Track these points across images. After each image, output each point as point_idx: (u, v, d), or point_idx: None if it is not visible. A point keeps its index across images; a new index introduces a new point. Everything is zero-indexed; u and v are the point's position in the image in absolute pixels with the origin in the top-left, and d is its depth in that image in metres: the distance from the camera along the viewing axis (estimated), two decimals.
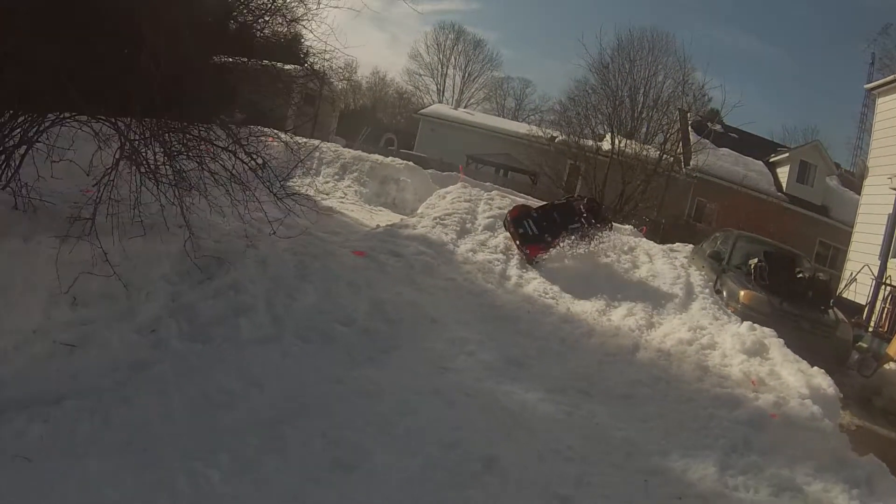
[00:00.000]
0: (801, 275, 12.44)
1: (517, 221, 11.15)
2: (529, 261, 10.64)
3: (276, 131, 8.51)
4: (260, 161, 7.63)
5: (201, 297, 6.82)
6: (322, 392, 5.73)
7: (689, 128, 34.81)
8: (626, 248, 12.37)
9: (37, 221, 7.05)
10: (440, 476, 4.94)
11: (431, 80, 54.56)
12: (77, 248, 6.32)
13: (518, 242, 10.95)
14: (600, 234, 11.36)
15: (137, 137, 6.79)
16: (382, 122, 41.30)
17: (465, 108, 47.53)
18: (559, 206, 11.77)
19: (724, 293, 11.45)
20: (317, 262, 7.91)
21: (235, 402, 5.45)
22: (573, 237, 11.06)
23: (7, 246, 6.40)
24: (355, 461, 4.95)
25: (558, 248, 10.91)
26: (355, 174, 16.10)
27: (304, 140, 9.89)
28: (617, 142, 33.90)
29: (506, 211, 11.81)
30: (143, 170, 6.84)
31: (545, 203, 12.37)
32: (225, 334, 6.38)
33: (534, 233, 11.02)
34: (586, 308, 8.95)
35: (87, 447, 4.81)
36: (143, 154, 6.84)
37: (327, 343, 6.56)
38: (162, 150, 6.97)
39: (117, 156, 6.74)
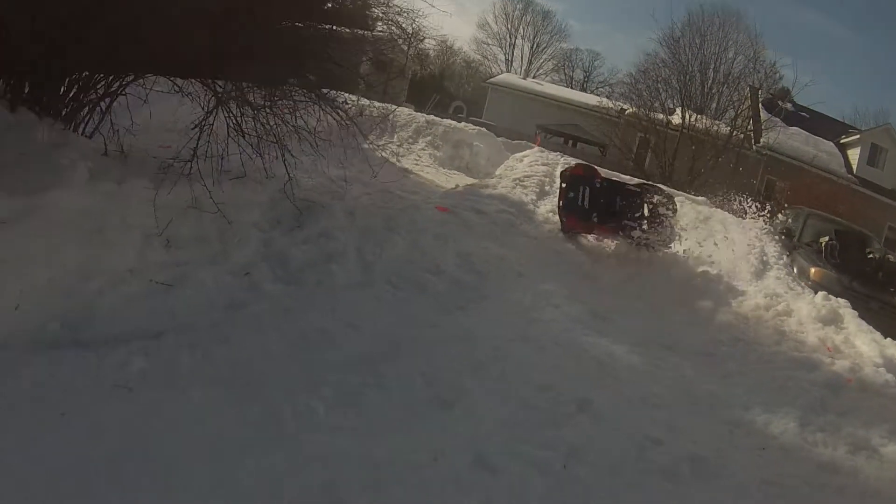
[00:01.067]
0: (871, 255, 12.26)
1: (572, 182, 9.65)
2: (564, 229, 9.43)
3: (350, 95, 8.53)
4: (342, 117, 7.66)
5: (292, 244, 6.86)
6: (417, 335, 5.78)
7: (760, 105, 34.13)
8: (701, 218, 12.24)
9: (127, 167, 7.16)
10: (536, 415, 5.02)
11: (499, 49, 54.30)
12: (170, 193, 6.49)
13: (560, 203, 9.60)
14: (657, 238, 9.37)
15: (228, 94, 6.97)
16: (450, 91, 41.14)
17: (533, 78, 47.16)
18: (628, 192, 9.91)
19: (795, 270, 11.33)
20: (403, 216, 7.91)
21: (332, 341, 5.50)
22: (625, 233, 9.43)
23: (102, 188, 6.50)
24: (454, 399, 5.02)
25: (599, 238, 9.66)
26: (429, 138, 16.04)
27: (378, 104, 9.91)
28: (687, 116, 33.37)
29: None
30: (231, 123, 7.00)
31: (618, 180, 10.83)
32: (317, 279, 6.42)
33: (583, 206, 9.50)
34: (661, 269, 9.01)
35: (188, 380, 4.87)
36: (232, 109, 6.99)
37: (418, 291, 6.57)
38: (248, 105, 7.01)
39: (211, 107, 6.92)
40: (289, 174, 7.27)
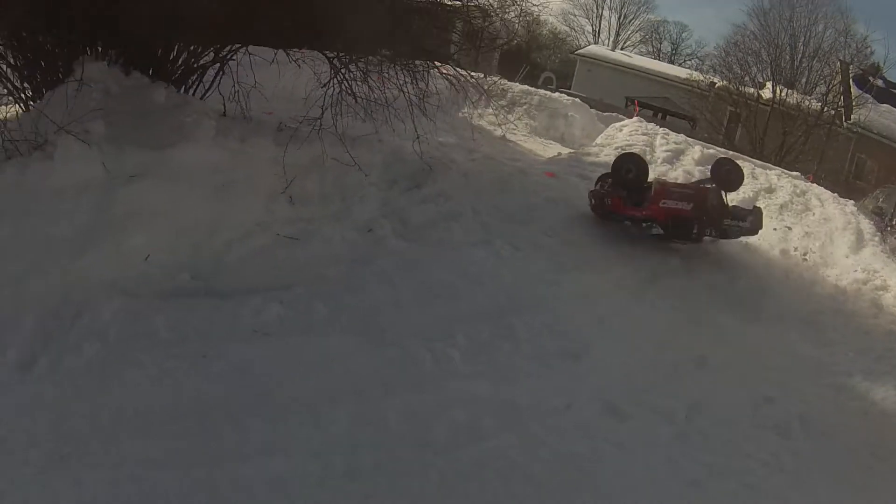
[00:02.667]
0: None
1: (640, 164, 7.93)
2: (602, 211, 7.53)
3: (444, 65, 8.58)
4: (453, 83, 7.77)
5: (411, 203, 7.03)
6: (540, 292, 5.93)
7: (850, 81, 33.09)
8: (798, 192, 12.01)
9: (247, 127, 7.35)
10: (658, 369, 5.25)
11: (586, 21, 53.74)
12: (290, 153, 6.63)
13: (611, 180, 7.82)
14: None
15: (344, 63, 7.16)
16: (538, 62, 40.83)
17: (621, 50, 46.56)
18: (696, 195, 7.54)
19: (888, 248, 11.05)
20: (514, 180, 8.01)
21: (458, 295, 5.67)
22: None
23: (227, 145, 6.73)
24: (580, 351, 5.24)
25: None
26: (524, 107, 16.01)
27: (473, 73, 9.95)
28: (777, 90, 32.62)
29: (681, 145, 11.49)
30: (344, 89, 7.13)
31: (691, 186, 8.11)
32: (438, 237, 6.58)
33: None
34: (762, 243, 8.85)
35: (324, 327, 5.09)
36: (345, 76, 7.14)
37: (535, 250, 6.67)
38: (360, 72, 7.22)
39: (328, 75, 7.11)
40: (416, 133, 7.42)
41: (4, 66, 7.06)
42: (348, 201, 6.86)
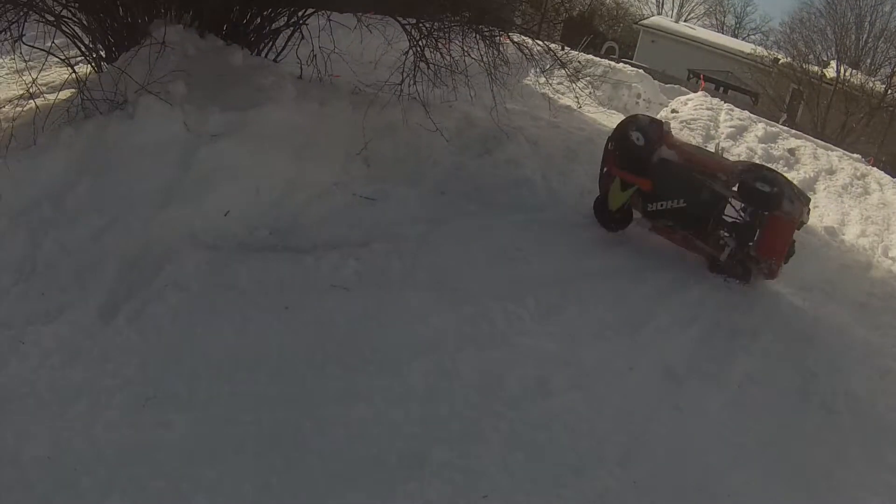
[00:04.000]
0: None
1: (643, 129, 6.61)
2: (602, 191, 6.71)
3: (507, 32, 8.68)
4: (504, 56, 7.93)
5: (482, 168, 7.20)
6: (604, 263, 6.13)
7: None
8: (858, 174, 11.94)
9: (324, 90, 7.59)
10: (714, 341, 5.49)
11: None
12: (367, 115, 6.89)
13: (611, 146, 6.75)
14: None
15: (418, 29, 7.35)
16: (600, 32, 40.38)
17: (684, 21, 45.95)
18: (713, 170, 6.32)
19: None
20: (581, 148, 8.13)
21: (528, 258, 5.89)
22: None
23: (307, 107, 6.96)
24: (643, 321, 5.46)
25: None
26: (588, 77, 16.03)
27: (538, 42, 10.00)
28: (842, 70, 32.02)
29: (744, 122, 11.48)
30: (417, 55, 7.30)
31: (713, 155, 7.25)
32: (508, 202, 6.73)
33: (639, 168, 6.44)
34: (819, 224, 8.99)
35: (400, 283, 5.34)
36: (418, 42, 7.34)
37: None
38: (433, 38, 7.43)
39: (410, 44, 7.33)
40: (492, 99, 7.61)
41: (78, 28, 7.35)
42: (422, 164, 7.06)
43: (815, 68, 32.68)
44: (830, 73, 32.31)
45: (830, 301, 6.76)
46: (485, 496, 3.85)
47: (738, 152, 10.66)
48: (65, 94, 6.94)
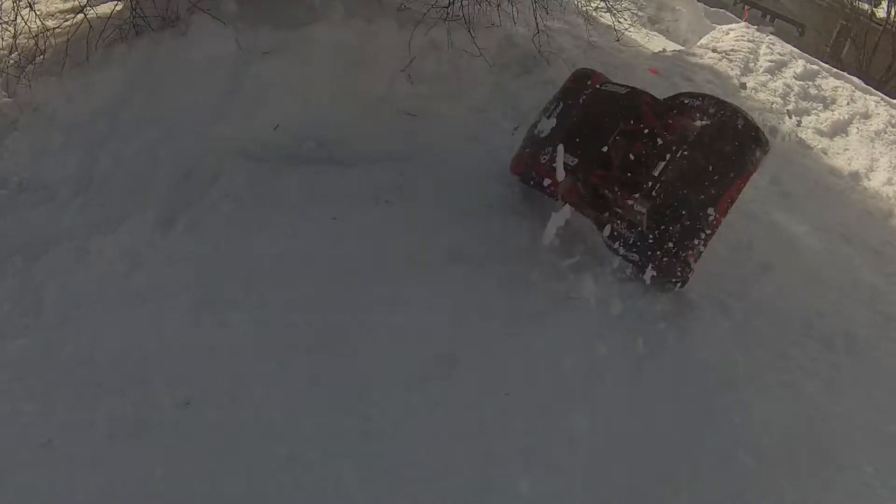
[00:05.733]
0: None
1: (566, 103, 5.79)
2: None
3: None
4: None
5: (522, 88, 7.40)
6: None
7: None
8: (893, 122, 11.81)
9: (372, 8, 7.80)
10: (727, 270, 5.70)
11: None
12: (411, 33, 7.17)
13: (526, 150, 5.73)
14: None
15: None
16: None
17: None
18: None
19: None
20: (618, 73, 8.13)
21: None
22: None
23: (354, 25, 7.22)
24: None
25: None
26: None
27: None
28: (893, 11, 31.10)
29: (785, 57, 11.40)
30: None
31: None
32: None
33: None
34: (846, 168, 9.01)
35: (438, 197, 5.71)
36: None
37: None
38: None
39: None
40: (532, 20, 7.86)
41: None
42: (463, 83, 7.27)
43: (866, 6, 31.81)
44: (881, 12, 31.44)
45: (847, 245, 6.89)
46: (507, 393, 4.30)
47: (774, 87, 10.63)
48: (108, 6, 7.27)
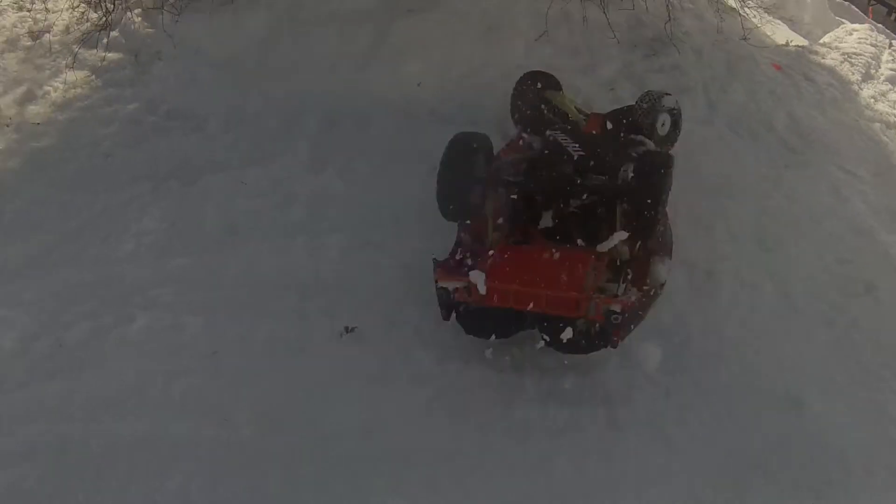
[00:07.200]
0: None
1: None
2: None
3: None
4: None
5: (648, 70, 7.57)
6: (752, 181, 6.51)
7: None
8: None
9: None
10: (830, 291, 5.71)
11: None
12: (547, 3, 7.36)
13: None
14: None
15: None
16: None
17: None
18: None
19: None
20: (742, 64, 8.21)
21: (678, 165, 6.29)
22: None
23: None
24: (775, 246, 5.94)
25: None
26: None
27: None
28: None
29: None
30: None
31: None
32: None
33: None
34: None
35: None
36: None
37: (752, 140, 7.13)
38: None
39: None
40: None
41: None
42: (594, 57, 7.50)
43: None
44: None
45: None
46: None
47: (894, 99, 10.44)
48: None
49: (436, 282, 4.59)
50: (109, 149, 6.67)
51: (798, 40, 11.45)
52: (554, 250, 4.71)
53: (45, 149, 6.69)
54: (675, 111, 6.12)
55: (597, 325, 4.42)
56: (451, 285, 4.56)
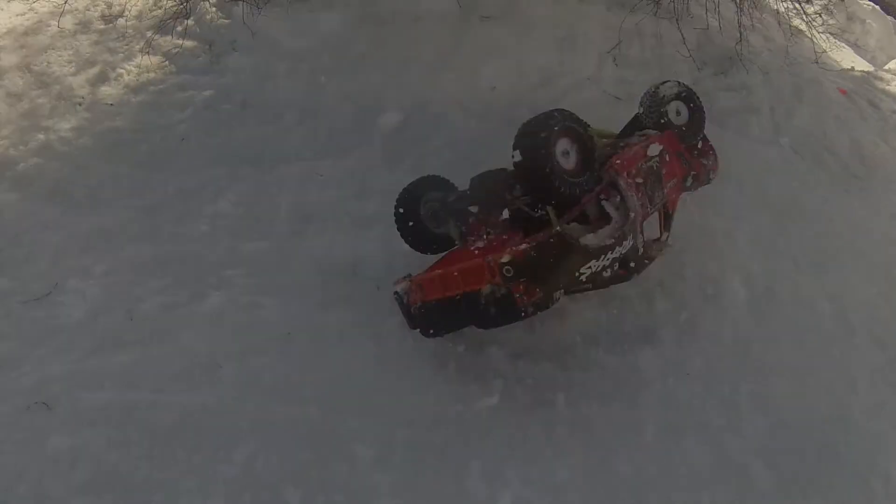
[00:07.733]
0: None
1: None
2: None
3: None
4: None
5: (717, 88, 7.64)
6: (814, 204, 6.65)
7: None
8: None
9: None
10: (884, 315, 5.81)
11: None
12: (620, 16, 7.55)
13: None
14: None
15: None
16: None
17: None
18: None
19: None
20: (809, 88, 8.25)
21: (744, 182, 6.55)
22: None
23: (567, 3, 7.76)
24: (827, 260, 6.09)
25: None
26: (823, 2, 15.62)
27: None
28: None
29: None
30: None
31: None
32: (736, 126, 7.24)
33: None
34: None
35: None
36: None
37: (816, 163, 7.23)
38: None
39: None
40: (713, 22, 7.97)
41: None
42: (664, 72, 7.45)
43: None
44: None
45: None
46: None
47: None
48: None
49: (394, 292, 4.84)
50: (184, 132, 6.83)
51: (863, 65, 11.43)
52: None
53: (118, 129, 6.82)
54: (683, 94, 5.76)
55: (501, 289, 4.30)
56: (401, 287, 4.80)
